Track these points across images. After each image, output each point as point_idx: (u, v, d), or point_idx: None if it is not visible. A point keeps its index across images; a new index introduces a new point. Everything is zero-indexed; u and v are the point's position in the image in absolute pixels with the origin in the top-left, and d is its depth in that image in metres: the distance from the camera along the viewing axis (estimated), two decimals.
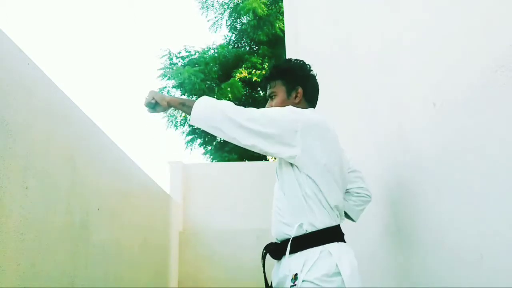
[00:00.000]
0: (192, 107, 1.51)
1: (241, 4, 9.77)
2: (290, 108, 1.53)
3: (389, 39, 1.97)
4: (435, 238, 1.54)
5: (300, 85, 1.67)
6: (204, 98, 1.54)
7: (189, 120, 1.54)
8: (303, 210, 1.48)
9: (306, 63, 1.73)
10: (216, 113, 1.47)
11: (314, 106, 1.72)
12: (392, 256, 1.96)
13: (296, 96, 1.66)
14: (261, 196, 6.73)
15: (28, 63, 1.70)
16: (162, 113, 1.68)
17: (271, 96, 1.70)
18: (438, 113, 1.51)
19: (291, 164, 1.50)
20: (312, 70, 1.72)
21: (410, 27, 1.75)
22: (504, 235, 1.15)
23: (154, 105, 1.63)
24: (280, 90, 1.68)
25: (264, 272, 1.61)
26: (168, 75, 9.77)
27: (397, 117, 1.88)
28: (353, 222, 1.78)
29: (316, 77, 1.73)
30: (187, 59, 10.06)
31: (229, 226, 6.77)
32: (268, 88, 1.72)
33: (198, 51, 10.19)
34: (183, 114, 10.10)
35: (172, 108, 1.65)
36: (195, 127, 10.22)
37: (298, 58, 1.75)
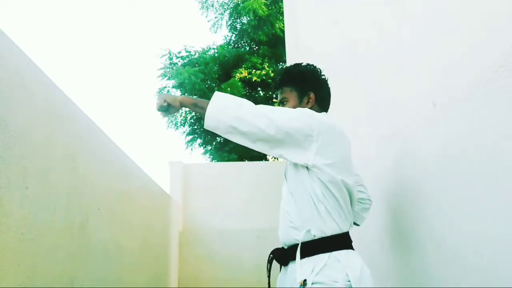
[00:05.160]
0: (206, 108, 1.47)
1: (241, 5, 9.76)
2: (306, 111, 1.50)
3: (389, 39, 1.97)
4: (435, 238, 1.54)
5: (312, 90, 1.64)
6: (218, 100, 1.48)
7: (204, 125, 1.49)
8: (312, 215, 1.45)
9: (317, 67, 1.70)
10: (229, 116, 1.43)
11: (326, 111, 1.69)
12: (392, 256, 1.96)
13: (308, 102, 1.64)
14: (261, 196, 6.73)
15: (28, 63, 1.70)
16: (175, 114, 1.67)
17: (283, 102, 1.67)
18: (438, 113, 1.50)
19: (303, 168, 1.47)
20: (323, 75, 1.69)
21: (410, 27, 1.75)
22: (504, 235, 1.15)
23: (166, 108, 1.62)
24: (291, 95, 1.65)
25: (268, 276, 1.59)
26: (168, 75, 9.77)
27: (397, 117, 1.88)
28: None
29: (328, 81, 1.70)
30: (187, 59, 10.06)
31: (229, 226, 6.77)
32: (279, 93, 1.69)
33: (198, 51, 10.19)
34: (183, 114, 10.10)
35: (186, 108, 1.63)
36: (195, 127, 10.22)
37: (308, 63, 1.72)
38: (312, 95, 1.64)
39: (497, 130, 1.18)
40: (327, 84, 1.70)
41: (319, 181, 1.45)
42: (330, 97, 1.71)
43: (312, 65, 1.71)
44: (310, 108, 1.63)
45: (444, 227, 1.47)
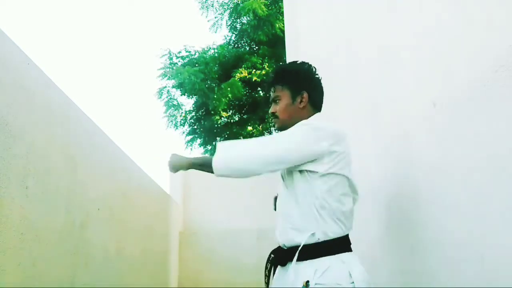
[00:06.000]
0: (211, 164, 1.52)
1: (241, 5, 9.76)
2: (310, 127, 1.50)
3: (389, 39, 1.97)
4: (435, 239, 1.54)
5: (305, 89, 1.61)
6: (221, 152, 1.54)
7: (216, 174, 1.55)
8: (315, 218, 1.45)
9: (312, 66, 1.67)
10: (238, 162, 1.51)
11: (319, 110, 1.67)
12: (392, 256, 1.96)
13: (301, 101, 1.60)
14: (261, 196, 6.72)
15: (28, 63, 1.70)
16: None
17: (275, 101, 1.64)
18: (438, 113, 1.50)
19: (307, 173, 1.47)
20: (317, 74, 1.66)
21: (410, 27, 1.75)
22: (504, 235, 1.15)
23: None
24: (284, 94, 1.62)
25: (267, 276, 1.59)
26: (168, 75, 9.76)
27: (397, 117, 1.88)
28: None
29: (321, 80, 1.69)
30: (187, 59, 10.04)
31: (229, 226, 6.76)
32: (272, 91, 1.66)
33: (198, 51, 10.18)
34: (183, 114, 10.11)
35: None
36: (195, 127, 10.22)
37: (303, 61, 1.69)
38: (305, 94, 1.60)
39: (497, 130, 1.18)
40: (321, 84, 1.67)
41: (327, 186, 1.47)
42: (323, 96, 1.68)
43: (307, 63, 1.67)
44: (303, 107, 1.61)
45: (444, 227, 1.47)
